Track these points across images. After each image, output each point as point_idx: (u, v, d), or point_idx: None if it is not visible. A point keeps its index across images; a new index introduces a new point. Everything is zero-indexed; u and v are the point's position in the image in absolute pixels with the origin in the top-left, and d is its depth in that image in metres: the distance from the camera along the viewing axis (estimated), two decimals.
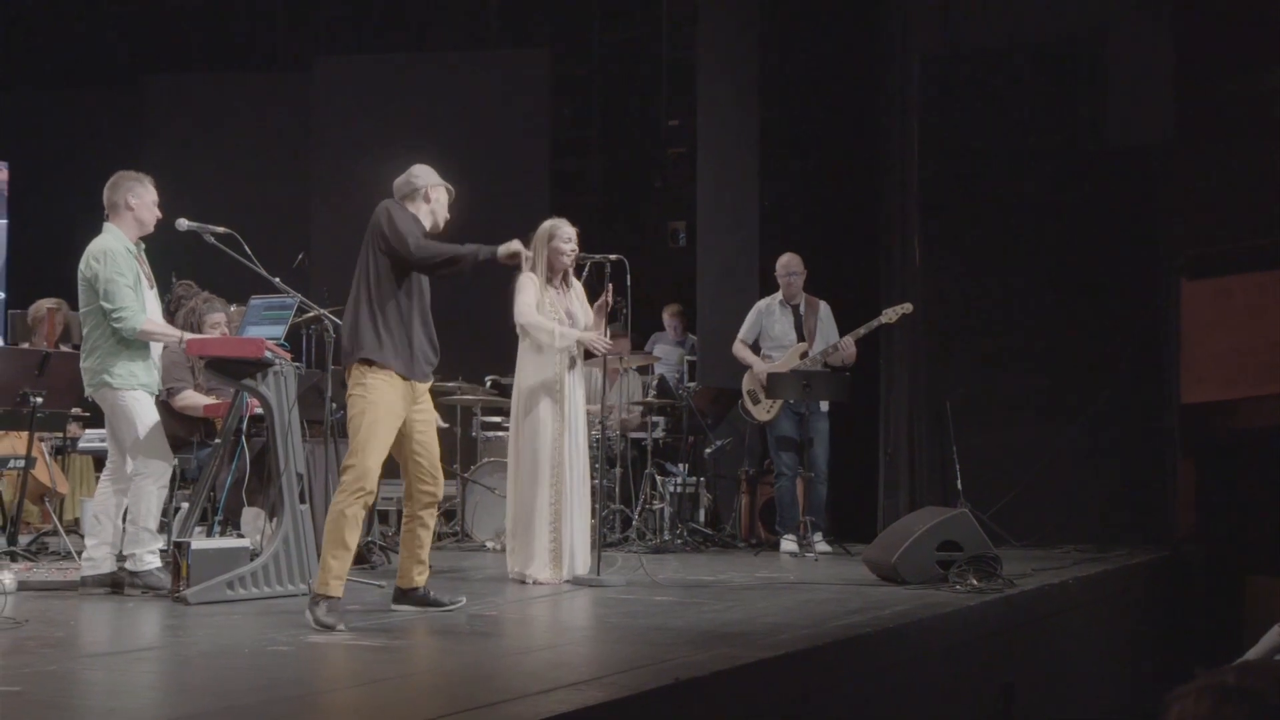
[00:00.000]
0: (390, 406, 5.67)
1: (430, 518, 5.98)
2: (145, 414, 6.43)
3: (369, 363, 5.68)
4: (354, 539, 5.58)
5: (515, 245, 6.07)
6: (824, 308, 9.35)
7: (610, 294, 7.22)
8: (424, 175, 6.11)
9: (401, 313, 5.76)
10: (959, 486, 9.15)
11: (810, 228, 10.27)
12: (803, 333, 9.31)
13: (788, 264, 9.35)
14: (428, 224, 6.03)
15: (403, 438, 5.83)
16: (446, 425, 9.70)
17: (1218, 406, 9.64)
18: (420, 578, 5.98)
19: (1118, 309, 9.87)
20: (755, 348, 9.40)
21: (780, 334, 9.35)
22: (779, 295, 9.38)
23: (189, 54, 13.31)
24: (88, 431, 8.55)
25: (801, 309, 9.35)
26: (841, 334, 9.18)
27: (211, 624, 5.61)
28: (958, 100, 10.35)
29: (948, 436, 9.48)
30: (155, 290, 6.69)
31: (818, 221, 10.36)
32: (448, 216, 6.14)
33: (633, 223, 12.64)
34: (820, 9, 10.70)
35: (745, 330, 9.44)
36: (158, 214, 6.66)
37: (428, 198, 6.04)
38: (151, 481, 6.40)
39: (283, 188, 12.86)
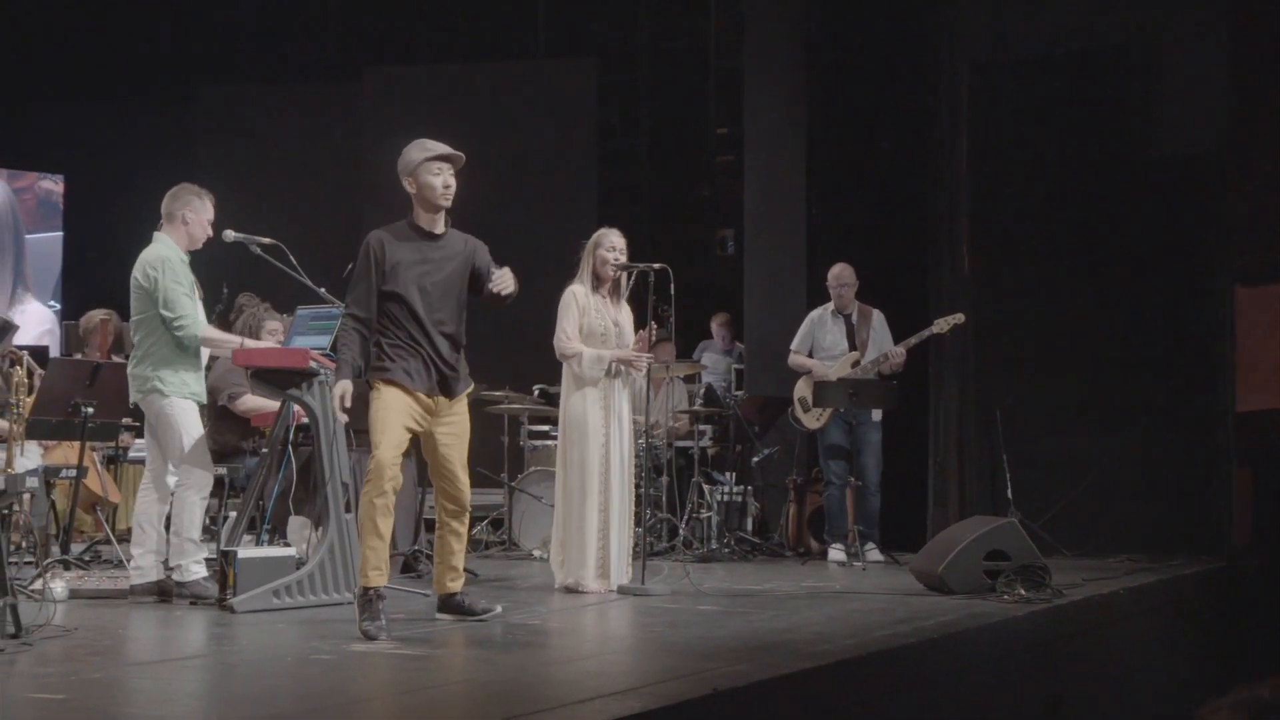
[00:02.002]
0: (399, 407, 5.66)
1: (459, 525, 5.97)
2: (191, 423, 6.49)
3: (380, 380, 5.72)
4: (386, 526, 5.60)
5: (340, 394, 5.59)
6: (877, 316, 9.30)
7: (653, 331, 7.25)
8: (402, 163, 5.84)
9: (406, 335, 5.71)
10: (1009, 495, 9.08)
11: (859, 236, 10.22)
12: (854, 342, 9.26)
13: (839, 275, 9.31)
14: (424, 217, 5.81)
15: (428, 449, 5.88)
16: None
17: (1274, 415, 9.51)
18: (454, 584, 5.99)
19: (1171, 316, 9.74)
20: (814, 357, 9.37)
21: (831, 344, 9.32)
22: (831, 305, 9.34)
23: (241, 66, 13.44)
24: (138, 441, 8.63)
25: (854, 319, 9.30)
26: (895, 343, 9.13)
27: (256, 632, 5.64)
28: (1007, 108, 10.27)
29: (998, 445, 9.40)
30: (201, 300, 6.74)
31: (866, 230, 10.31)
32: (449, 186, 5.78)
33: (681, 231, 12.65)
34: (868, 17, 10.65)
35: (798, 341, 9.42)
36: (210, 232, 6.72)
37: (412, 185, 5.82)
38: (194, 492, 6.44)
39: (334, 198, 12.96)
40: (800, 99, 10.75)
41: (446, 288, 5.81)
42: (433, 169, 5.78)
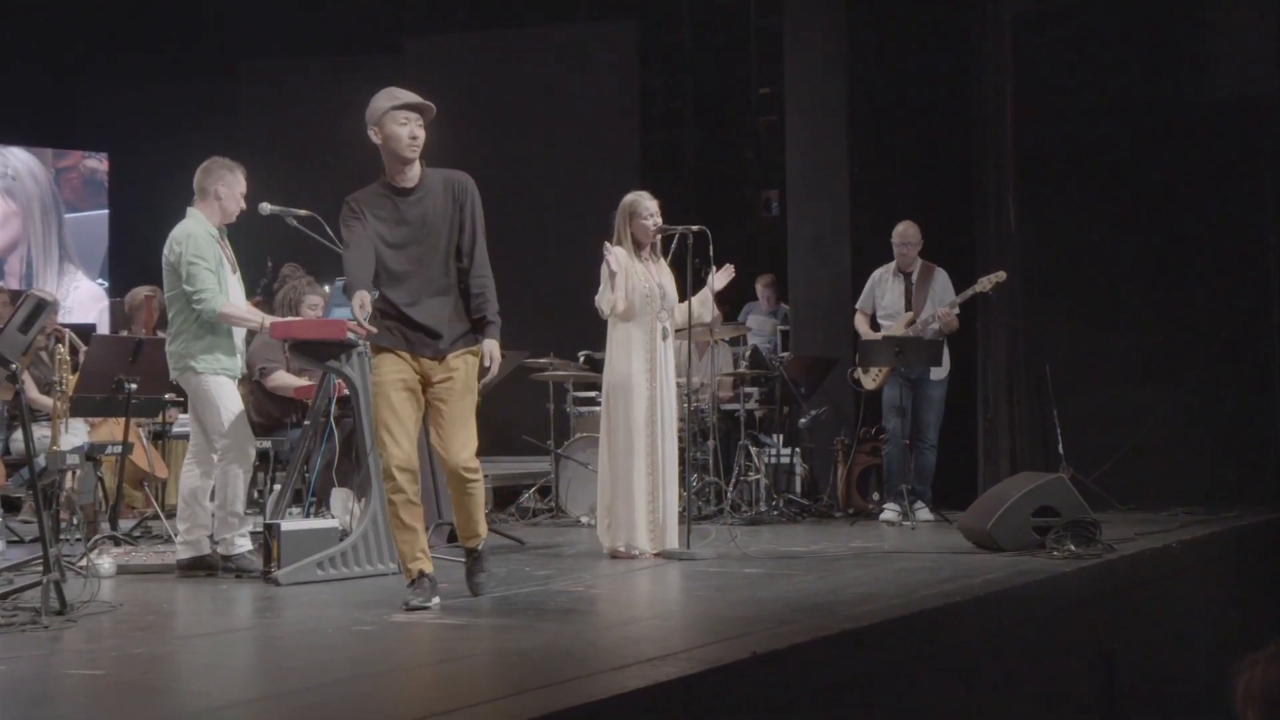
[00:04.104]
0: (393, 382, 5.43)
1: (463, 495, 5.57)
2: (228, 398, 6.48)
3: (375, 347, 5.53)
4: (412, 516, 5.43)
5: (358, 307, 5.24)
6: (940, 275, 9.20)
7: (714, 276, 7.27)
8: (368, 112, 5.53)
9: (395, 297, 5.44)
10: (1060, 451, 8.98)
11: (902, 193, 10.09)
12: (911, 301, 9.18)
13: (902, 233, 9.21)
14: (393, 172, 5.53)
15: (426, 413, 5.57)
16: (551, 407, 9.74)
17: None
18: (469, 542, 5.70)
19: (1222, 266, 9.58)
20: (876, 316, 9.32)
21: (890, 303, 9.26)
22: (894, 264, 9.26)
23: (282, 39, 13.44)
24: (183, 416, 8.68)
25: (914, 277, 9.21)
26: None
27: (300, 605, 5.66)
28: (1052, 57, 10.08)
29: (1048, 400, 9.29)
30: (239, 274, 6.73)
31: (910, 187, 10.18)
32: (415, 137, 5.46)
33: (725, 193, 12.57)
34: None
35: (861, 300, 9.41)
36: (243, 205, 6.69)
37: (377, 135, 5.50)
38: (236, 465, 6.45)
39: (377, 169, 12.93)
40: (841, 57, 10.61)
41: (429, 243, 5.50)
42: (399, 118, 5.46)
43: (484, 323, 5.57)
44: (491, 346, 5.57)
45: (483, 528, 5.76)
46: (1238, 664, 2.36)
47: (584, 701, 3.57)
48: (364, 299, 5.24)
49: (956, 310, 9.04)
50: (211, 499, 6.51)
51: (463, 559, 6.82)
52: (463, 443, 5.51)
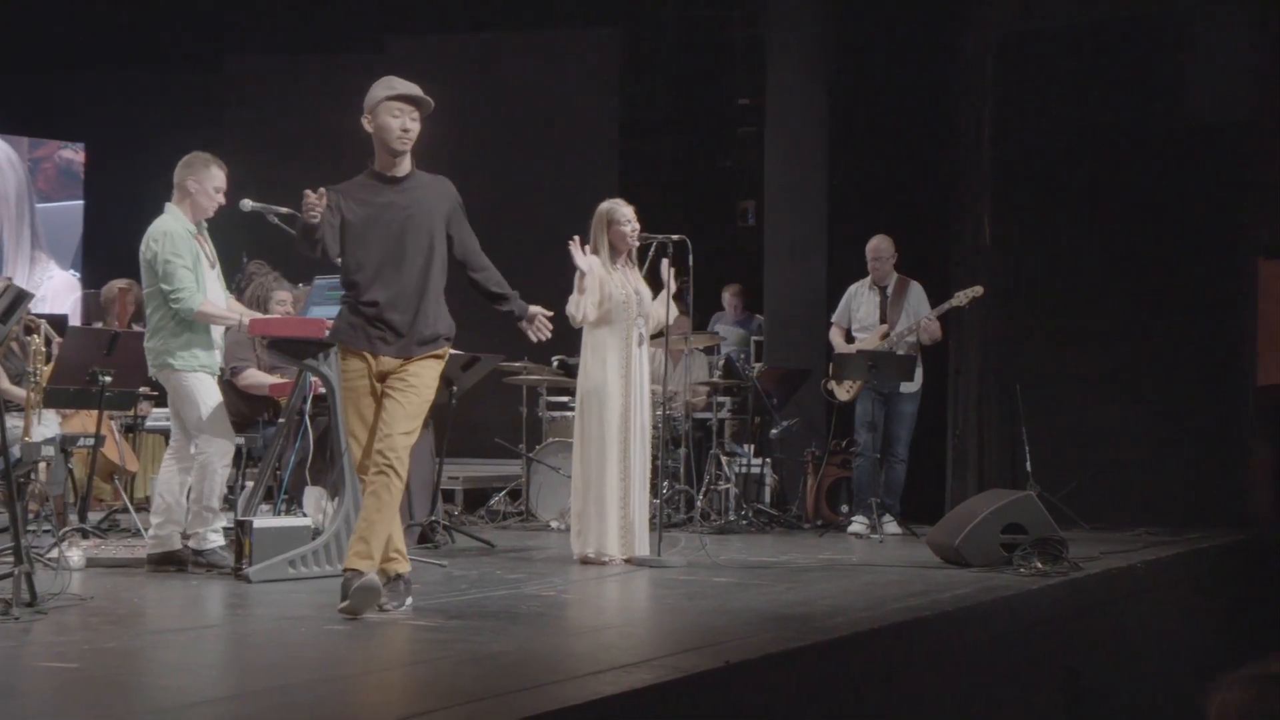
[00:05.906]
0: (355, 388, 5.36)
1: (376, 475, 5.22)
2: (207, 395, 6.47)
3: (342, 348, 5.44)
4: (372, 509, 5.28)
5: (315, 196, 5.23)
6: (915, 288, 9.26)
7: (673, 277, 7.28)
8: (367, 99, 5.43)
9: (369, 290, 5.35)
10: (1028, 468, 9.04)
11: (880, 207, 10.16)
12: (885, 315, 9.23)
13: (874, 247, 9.28)
14: (382, 161, 5.45)
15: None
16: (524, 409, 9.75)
17: None
18: (356, 560, 5.17)
19: (1194, 288, 9.69)
20: (851, 330, 9.37)
21: (865, 317, 9.32)
22: (869, 278, 9.32)
23: (265, 35, 13.40)
24: (155, 410, 8.66)
25: (889, 291, 9.26)
26: None
27: (271, 602, 5.65)
28: (1031, 77, 10.18)
29: (1018, 417, 9.36)
30: (218, 270, 6.72)
31: (888, 201, 10.24)
32: (407, 130, 5.37)
33: (702, 202, 12.58)
34: None
35: (836, 314, 9.47)
36: (220, 200, 6.63)
37: (370, 124, 5.42)
38: (215, 461, 6.44)
39: (358, 168, 12.91)
40: (823, 69, 10.67)
41: (413, 234, 5.39)
42: (393, 109, 5.36)
43: (512, 298, 5.87)
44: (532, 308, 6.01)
45: (377, 551, 5.20)
46: (1211, 686, 2.39)
47: (559, 706, 3.59)
48: (322, 193, 5.24)
49: (936, 323, 9.10)
50: (188, 495, 6.50)
51: (433, 560, 6.89)
52: (402, 432, 5.26)
